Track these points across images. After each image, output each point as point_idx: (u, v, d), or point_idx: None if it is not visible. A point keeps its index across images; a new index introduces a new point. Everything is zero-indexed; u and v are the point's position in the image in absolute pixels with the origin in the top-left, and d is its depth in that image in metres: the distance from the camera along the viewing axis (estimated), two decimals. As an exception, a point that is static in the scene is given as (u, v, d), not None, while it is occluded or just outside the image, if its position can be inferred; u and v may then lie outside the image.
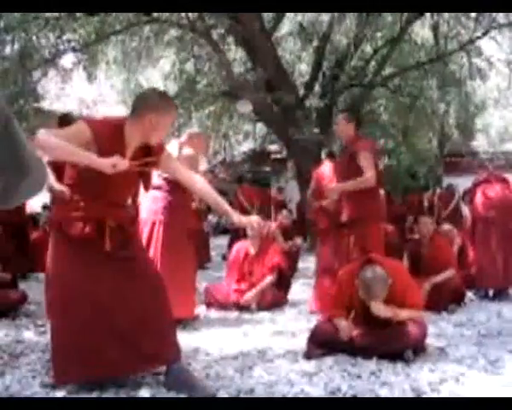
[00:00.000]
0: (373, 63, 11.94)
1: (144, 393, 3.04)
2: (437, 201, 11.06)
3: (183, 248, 4.70)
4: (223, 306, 5.62)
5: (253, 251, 5.93)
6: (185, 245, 4.76)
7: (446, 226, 7.18)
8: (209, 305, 5.69)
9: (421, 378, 3.37)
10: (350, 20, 10.26)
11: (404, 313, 3.79)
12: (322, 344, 3.86)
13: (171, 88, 14.42)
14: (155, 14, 9.80)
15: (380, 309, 3.75)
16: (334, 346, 3.82)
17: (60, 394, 3.02)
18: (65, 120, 5.31)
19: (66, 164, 3.16)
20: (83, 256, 3.04)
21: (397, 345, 3.71)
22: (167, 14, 10.03)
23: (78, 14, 9.28)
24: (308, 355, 3.81)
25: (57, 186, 3.86)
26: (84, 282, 3.01)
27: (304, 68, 12.63)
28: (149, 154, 3.23)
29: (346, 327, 3.80)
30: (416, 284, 4.12)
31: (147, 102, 3.12)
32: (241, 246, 6.12)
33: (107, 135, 3.02)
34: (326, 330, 3.92)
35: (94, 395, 3.02)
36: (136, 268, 3.13)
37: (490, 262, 6.39)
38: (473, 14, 10.39)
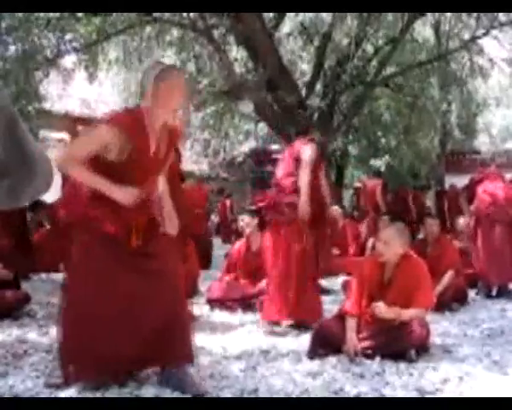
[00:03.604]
0: (374, 62, 11.92)
1: (148, 392, 3.04)
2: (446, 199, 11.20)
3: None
4: (225, 303, 5.63)
5: (253, 249, 5.95)
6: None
7: (462, 220, 7.19)
8: (212, 302, 5.71)
9: (425, 378, 3.37)
10: (351, 19, 10.25)
11: (407, 313, 3.79)
12: (325, 343, 3.85)
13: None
14: (156, 14, 9.79)
15: (383, 311, 3.76)
16: (338, 345, 3.82)
17: (63, 394, 3.02)
18: None
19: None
20: (110, 253, 3.02)
21: (400, 345, 3.70)
22: (168, 14, 10.02)
23: (79, 15, 9.28)
24: (311, 355, 3.81)
25: None
26: (110, 279, 3.00)
27: (305, 68, 12.62)
28: (171, 137, 3.20)
29: (353, 340, 3.78)
30: (431, 286, 4.11)
31: (148, 75, 3.07)
32: (239, 245, 6.14)
33: (130, 128, 2.96)
34: (330, 329, 3.92)
35: (97, 394, 3.02)
36: (160, 267, 3.12)
37: (495, 259, 6.40)
38: (474, 13, 10.37)
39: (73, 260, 3.12)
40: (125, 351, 2.99)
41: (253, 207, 6.11)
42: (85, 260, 3.05)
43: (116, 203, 2.97)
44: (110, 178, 2.97)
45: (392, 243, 3.91)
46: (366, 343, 3.76)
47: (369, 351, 3.73)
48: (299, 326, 4.70)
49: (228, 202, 16.67)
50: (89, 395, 3.00)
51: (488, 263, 6.47)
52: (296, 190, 4.82)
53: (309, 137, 5.14)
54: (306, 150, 4.91)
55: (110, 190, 2.95)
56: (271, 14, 10.86)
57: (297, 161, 4.93)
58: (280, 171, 5.11)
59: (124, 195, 2.95)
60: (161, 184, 3.39)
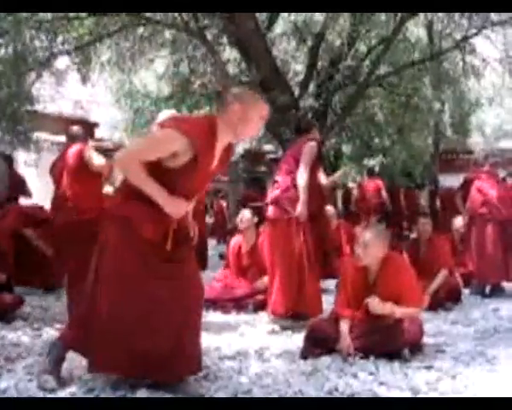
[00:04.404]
0: (367, 62, 11.92)
1: (141, 394, 3.03)
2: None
3: None
4: (219, 304, 5.62)
5: (247, 246, 5.95)
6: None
7: (457, 222, 7.21)
8: (205, 303, 5.69)
9: (419, 377, 3.38)
10: (344, 19, 10.25)
11: (401, 311, 3.81)
12: (319, 343, 3.86)
13: (166, 89, 14.39)
14: (149, 16, 9.77)
15: (376, 306, 3.77)
16: (332, 345, 3.82)
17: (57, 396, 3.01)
18: None
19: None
20: (140, 254, 2.98)
21: (394, 344, 3.71)
22: (161, 15, 10.01)
23: (71, 16, 9.25)
24: (304, 355, 3.81)
25: None
26: (135, 280, 2.97)
27: (298, 68, 12.61)
28: (226, 154, 3.21)
29: (347, 340, 3.79)
30: (417, 284, 4.13)
31: (232, 93, 3.09)
32: (235, 241, 6.14)
33: (200, 140, 2.92)
34: (323, 329, 3.93)
35: (92, 395, 3.01)
36: (185, 273, 3.11)
37: (488, 258, 6.42)
38: (466, 13, 10.40)
39: (103, 253, 3.04)
40: (144, 353, 2.95)
41: (257, 204, 6.15)
42: (114, 256, 2.99)
43: (159, 207, 2.96)
44: (161, 183, 2.95)
45: (370, 247, 3.88)
46: (360, 343, 3.77)
47: (363, 350, 3.73)
48: (300, 318, 4.81)
49: (224, 203, 16.71)
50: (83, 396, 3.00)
51: (480, 262, 6.49)
52: (295, 187, 4.90)
53: (309, 137, 5.18)
54: (306, 149, 4.98)
55: (164, 201, 2.93)
56: (264, 15, 10.85)
57: (297, 159, 5.00)
58: (280, 169, 5.19)
59: (175, 208, 2.97)
60: None
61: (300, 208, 4.82)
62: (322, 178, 5.22)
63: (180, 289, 3.04)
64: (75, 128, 5.46)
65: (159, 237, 3.02)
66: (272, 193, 5.09)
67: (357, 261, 4.00)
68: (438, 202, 12.53)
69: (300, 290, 4.83)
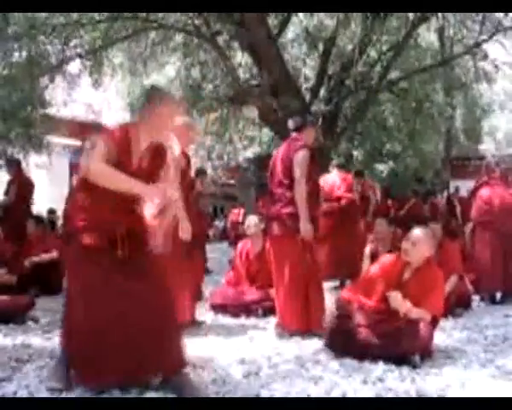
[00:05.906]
0: (378, 68, 11.92)
1: (150, 396, 3.04)
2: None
3: (177, 252, 4.43)
4: (229, 309, 5.63)
5: (254, 251, 5.95)
6: (178, 248, 4.50)
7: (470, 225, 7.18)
8: (215, 308, 5.70)
9: (427, 384, 3.36)
10: (355, 24, 10.25)
11: (416, 312, 3.85)
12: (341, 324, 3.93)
13: (177, 93, 14.47)
14: (161, 20, 9.84)
15: (397, 301, 3.83)
16: (346, 333, 3.88)
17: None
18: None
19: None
20: (97, 264, 3.07)
21: (404, 348, 3.70)
22: (172, 19, 10.07)
23: (84, 21, 9.34)
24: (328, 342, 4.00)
25: None
26: (98, 289, 3.04)
27: (309, 73, 12.63)
28: (156, 155, 3.30)
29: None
30: (443, 296, 4.17)
31: (146, 96, 3.30)
32: (243, 246, 6.13)
33: (117, 144, 3.12)
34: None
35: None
36: (145, 277, 3.14)
37: (487, 267, 6.35)
38: (478, 18, 10.35)
39: (67, 268, 3.23)
40: (118, 361, 2.99)
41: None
42: (73, 271, 3.16)
43: (99, 215, 3.08)
44: (95, 190, 3.10)
45: (419, 245, 3.99)
46: (371, 344, 3.78)
47: (374, 353, 3.74)
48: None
49: (242, 211, 16.89)
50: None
51: (481, 270, 6.43)
52: (294, 200, 4.66)
53: (300, 141, 4.85)
54: (297, 161, 4.68)
55: (141, 189, 3.09)
56: (276, 20, 10.89)
57: (289, 169, 4.73)
58: (272, 179, 4.94)
59: (154, 193, 3.11)
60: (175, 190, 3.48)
61: (303, 227, 4.57)
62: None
63: (141, 293, 3.08)
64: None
65: (103, 243, 3.10)
66: (272, 207, 4.83)
67: (399, 256, 4.09)
68: (458, 208, 12.39)
69: (307, 306, 4.69)
